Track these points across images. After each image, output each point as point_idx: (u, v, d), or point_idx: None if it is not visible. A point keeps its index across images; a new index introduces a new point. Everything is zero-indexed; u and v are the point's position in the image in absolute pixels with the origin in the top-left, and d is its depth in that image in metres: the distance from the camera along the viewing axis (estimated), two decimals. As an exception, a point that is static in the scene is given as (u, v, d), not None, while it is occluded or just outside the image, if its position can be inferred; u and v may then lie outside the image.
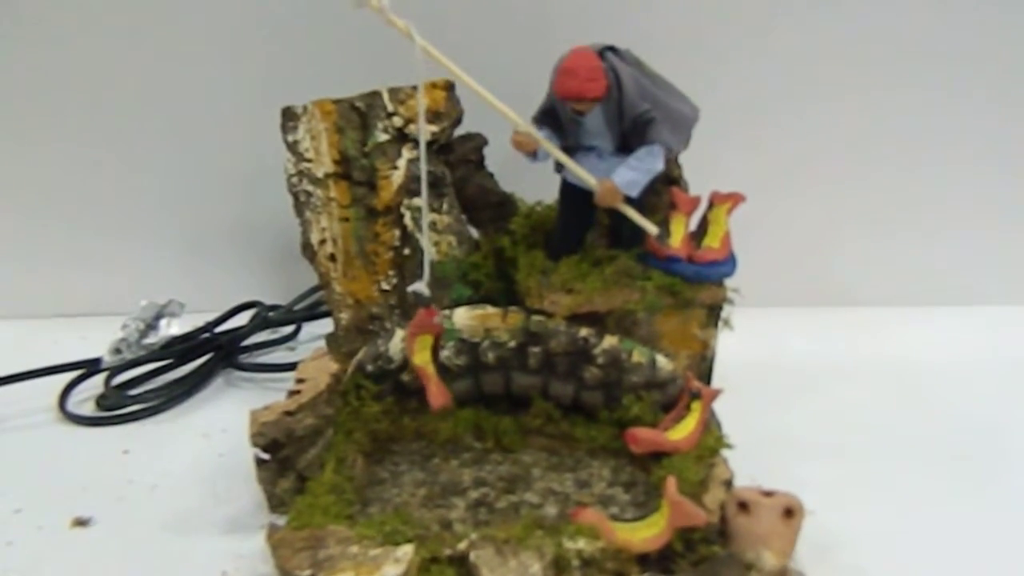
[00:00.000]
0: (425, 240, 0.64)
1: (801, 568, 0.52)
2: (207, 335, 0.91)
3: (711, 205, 0.68)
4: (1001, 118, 0.94)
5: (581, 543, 0.52)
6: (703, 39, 0.90)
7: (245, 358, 0.90)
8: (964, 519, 0.63)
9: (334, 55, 0.90)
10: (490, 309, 0.68)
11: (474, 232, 0.76)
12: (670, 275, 0.66)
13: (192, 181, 0.99)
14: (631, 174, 0.62)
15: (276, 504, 0.62)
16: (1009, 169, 0.97)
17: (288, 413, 0.61)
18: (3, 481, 0.69)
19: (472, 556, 0.51)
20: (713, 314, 0.68)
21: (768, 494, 0.53)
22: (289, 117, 0.72)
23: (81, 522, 0.64)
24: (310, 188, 0.73)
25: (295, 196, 0.73)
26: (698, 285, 0.67)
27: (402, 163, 0.72)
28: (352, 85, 0.71)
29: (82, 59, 0.93)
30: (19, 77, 0.93)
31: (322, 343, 0.76)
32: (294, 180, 0.73)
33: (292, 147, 0.72)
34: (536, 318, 0.66)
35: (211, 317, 0.94)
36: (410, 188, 0.72)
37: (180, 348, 0.88)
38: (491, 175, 0.77)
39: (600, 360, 0.65)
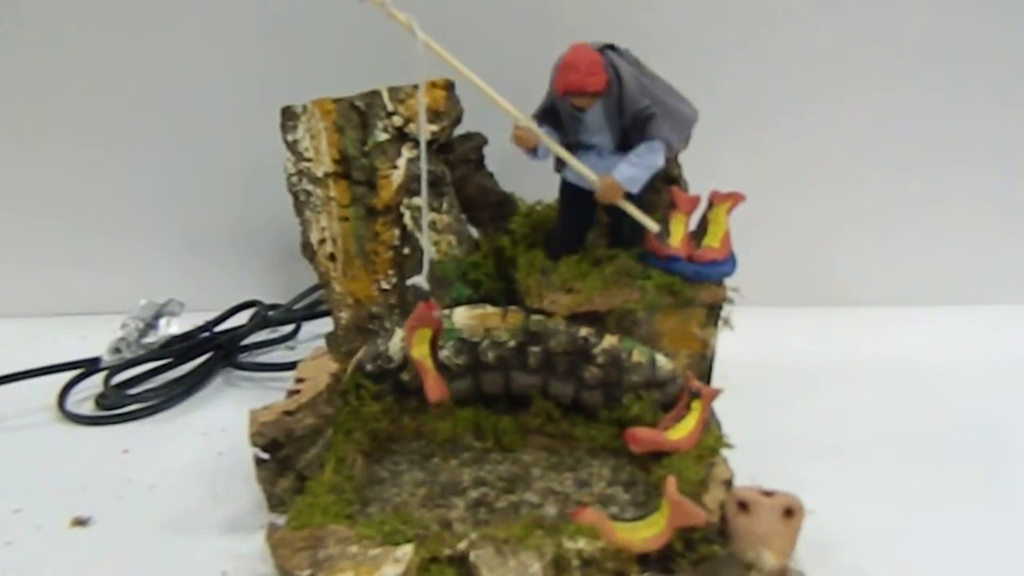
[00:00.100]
0: (425, 239, 0.64)
1: (801, 568, 0.52)
2: (206, 334, 0.91)
3: (711, 204, 0.68)
4: (1001, 118, 0.94)
5: (581, 543, 0.52)
6: (703, 39, 0.90)
7: (244, 357, 0.90)
8: (964, 519, 0.63)
9: (334, 55, 0.90)
10: (490, 308, 0.68)
11: (474, 231, 0.76)
12: (670, 274, 0.66)
13: (192, 181, 0.99)
14: (632, 170, 0.62)
15: (276, 504, 0.62)
16: (1009, 169, 0.97)
17: (288, 413, 0.61)
18: (2, 481, 0.69)
19: (472, 556, 0.51)
20: (713, 313, 0.68)
21: (768, 494, 0.53)
22: (289, 116, 0.72)
23: (80, 522, 0.64)
24: (310, 187, 0.73)
25: (295, 195, 0.73)
26: (698, 284, 0.67)
27: (402, 162, 0.72)
28: (352, 84, 0.71)
29: (82, 59, 0.93)
30: (19, 77, 0.93)
31: (322, 342, 0.77)
32: (294, 179, 0.73)
33: (292, 146, 0.72)
34: (536, 317, 0.66)
35: (210, 316, 0.94)
36: (410, 187, 0.72)
37: (179, 347, 0.88)
38: (491, 174, 0.77)
39: (600, 359, 0.65)
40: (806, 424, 0.76)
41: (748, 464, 0.60)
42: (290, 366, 0.83)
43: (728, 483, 0.57)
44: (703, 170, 0.71)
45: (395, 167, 0.72)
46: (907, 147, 0.96)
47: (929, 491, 0.66)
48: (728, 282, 0.68)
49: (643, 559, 0.52)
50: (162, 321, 0.90)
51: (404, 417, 0.68)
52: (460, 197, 0.74)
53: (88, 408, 0.81)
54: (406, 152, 0.72)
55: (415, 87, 0.70)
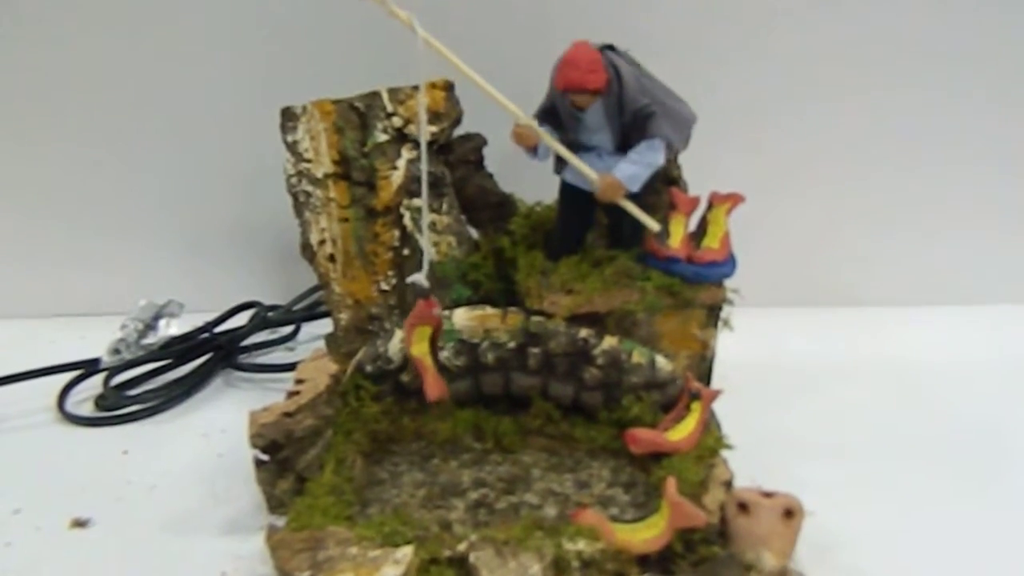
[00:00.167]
0: (425, 240, 0.64)
1: (801, 569, 0.52)
2: (206, 335, 0.91)
3: (710, 206, 0.68)
4: (1001, 118, 0.94)
5: (581, 544, 0.52)
6: (703, 39, 0.90)
7: (244, 358, 0.90)
8: (964, 519, 0.63)
9: (334, 55, 0.90)
10: (489, 310, 0.68)
11: (473, 232, 0.76)
12: (670, 276, 0.66)
13: (192, 181, 0.99)
14: (632, 168, 0.62)
15: (275, 505, 0.62)
16: (1009, 169, 0.97)
17: (287, 414, 0.61)
18: (2, 482, 0.69)
19: (472, 557, 0.51)
20: (713, 314, 0.68)
21: (768, 495, 0.53)
22: (288, 117, 0.72)
23: (80, 523, 0.64)
24: (309, 188, 0.72)
25: (294, 196, 0.73)
26: (698, 285, 0.67)
27: (401, 163, 0.72)
28: (352, 85, 0.71)
29: (82, 59, 0.93)
30: (19, 77, 0.93)
31: (321, 343, 0.77)
32: (293, 180, 0.73)
33: (291, 147, 0.72)
34: (536, 319, 0.66)
35: (210, 317, 0.94)
36: (409, 188, 0.72)
37: (179, 348, 0.88)
38: (490, 175, 0.77)
39: (600, 361, 0.65)
40: (806, 425, 0.76)
41: (748, 465, 0.60)
42: (290, 367, 0.83)
43: (728, 484, 0.57)
44: (703, 171, 0.71)
45: (395, 168, 0.72)
46: (907, 147, 0.96)
47: (929, 491, 0.66)
48: (728, 283, 0.68)
49: (643, 560, 0.52)
50: (162, 322, 0.90)
51: (404, 418, 0.68)
52: (460, 198, 0.74)
53: (88, 409, 0.81)
54: (406, 153, 0.72)
55: (415, 88, 0.70)
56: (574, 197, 0.67)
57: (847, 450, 0.72)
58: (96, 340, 0.88)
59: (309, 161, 0.72)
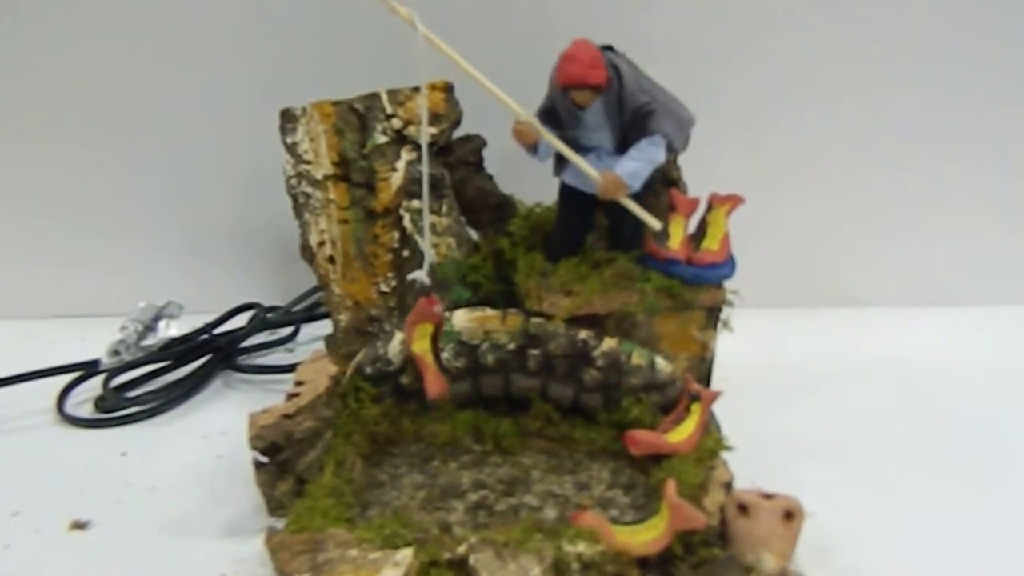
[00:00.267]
0: (426, 241, 0.64)
1: (801, 570, 0.52)
2: (206, 336, 0.91)
3: (710, 207, 0.68)
4: (1001, 118, 0.94)
5: (581, 546, 0.52)
6: (703, 40, 0.90)
7: (244, 360, 0.90)
8: (964, 520, 0.63)
9: (334, 56, 0.90)
10: (489, 311, 0.68)
11: (473, 234, 0.76)
12: (669, 277, 0.66)
13: (191, 182, 0.99)
14: (633, 164, 0.62)
15: (275, 507, 0.62)
16: (1009, 169, 0.97)
17: (287, 416, 0.61)
18: (1, 483, 0.69)
19: (471, 559, 0.51)
20: (712, 316, 0.68)
21: (768, 496, 0.53)
22: (288, 119, 0.72)
23: (79, 525, 0.63)
24: (309, 190, 0.72)
25: (294, 198, 0.73)
26: (697, 287, 0.67)
27: (401, 165, 0.71)
28: (351, 86, 0.71)
29: (82, 59, 0.93)
30: (19, 77, 0.93)
31: (321, 345, 0.77)
32: (293, 182, 0.73)
33: (291, 149, 0.72)
34: (535, 320, 0.66)
35: (210, 318, 0.93)
36: (409, 190, 0.72)
37: (179, 350, 0.88)
38: (490, 177, 0.77)
39: (599, 362, 0.65)
40: (806, 426, 0.76)
41: (748, 466, 0.60)
42: (289, 368, 0.83)
43: (728, 486, 0.57)
44: (702, 171, 0.71)
45: (394, 169, 0.72)
46: (907, 147, 0.95)
47: (929, 491, 0.66)
48: (727, 284, 0.68)
49: (643, 562, 0.52)
50: (161, 323, 0.90)
51: (403, 420, 0.68)
52: (459, 199, 0.74)
53: (87, 411, 0.81)
54: (405, 154, 0.71)
55: (414, 90, 0.70)
56: (574, 199, 0.67)
57: (847, 451, 0.72)
58: (96, 341, 0.88)
59: (309, 162, 0.72)
